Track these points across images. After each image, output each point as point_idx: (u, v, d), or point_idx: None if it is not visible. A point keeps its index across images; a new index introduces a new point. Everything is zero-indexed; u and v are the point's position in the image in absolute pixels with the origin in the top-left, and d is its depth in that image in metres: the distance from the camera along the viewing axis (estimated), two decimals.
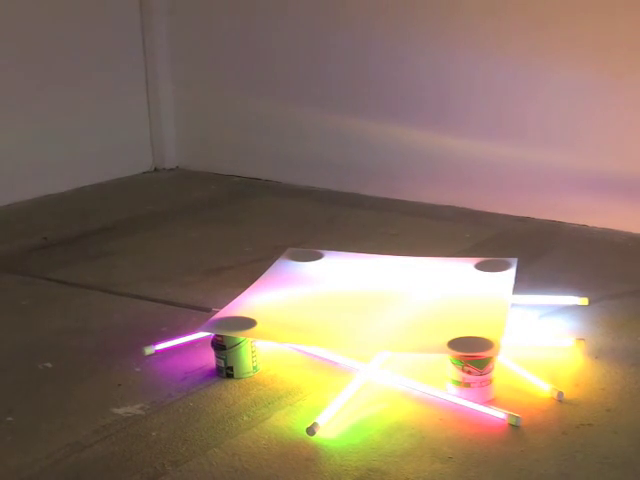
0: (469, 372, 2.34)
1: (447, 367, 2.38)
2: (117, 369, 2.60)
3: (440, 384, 2.40)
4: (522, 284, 2.88)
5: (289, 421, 2.30)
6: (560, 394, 2.36)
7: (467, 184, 4.06)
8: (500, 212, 3.94)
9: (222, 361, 2.52)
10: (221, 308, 2.70)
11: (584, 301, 2.90)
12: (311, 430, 2.20)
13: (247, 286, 2.83)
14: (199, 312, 2.93)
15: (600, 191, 3.71)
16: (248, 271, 3.18)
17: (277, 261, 3.04)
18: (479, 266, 2.91)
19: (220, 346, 2.52)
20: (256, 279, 2.89)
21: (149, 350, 2.66)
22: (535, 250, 3.50)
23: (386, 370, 2.49)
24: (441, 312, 2.66)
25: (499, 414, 2.27)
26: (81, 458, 2.17)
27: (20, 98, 4.32)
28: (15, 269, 3.47)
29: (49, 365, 2.65)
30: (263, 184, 4.57)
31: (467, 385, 2.34)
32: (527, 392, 2.40)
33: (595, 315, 2.87)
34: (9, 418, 2.36)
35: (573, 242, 3.61)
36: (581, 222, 3.76)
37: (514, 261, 2.90)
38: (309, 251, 3.11)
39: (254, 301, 2.72)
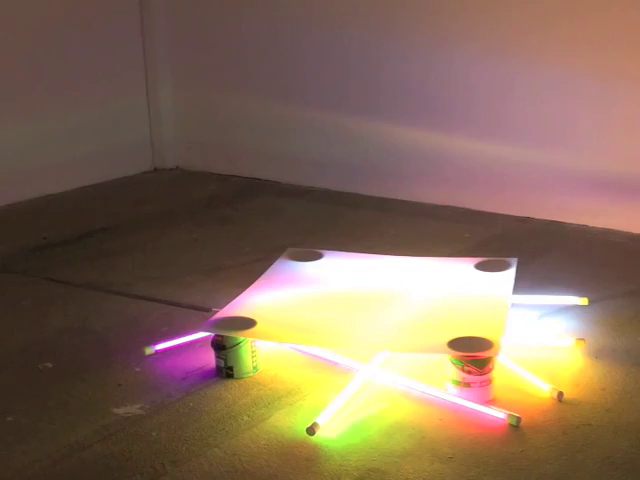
0: (469, 372, 2.34)
1: (447, 367, 2.38)
2: (117, 369, 2.60)
3: (440, 384, 2.40)
4: (522, 284, 2.88)
5: (289, 421, 2.30)
6: (560, 394, 2.36)
7: (467, 184, 4.05)
8: (500, 212, 3.94)
9: (222, 361, 2.52)
10: (221, 308, 2.70)
11: (584, 301, 2.90)
12: (311, 430, 2.20)
13: (247, 286, 2.83)
14: (199, 312, 2.93)
15: (600, 191, 3.71)
16: (248, 271, 3.17)
17: (277, 261, 3.04)
18: (479, 266, 2.91)
19: (220, 346, 2.52)
20: (256, 279, 2.90)
21: (149, 350, 2.66)
22: (535, 250, 3.50)
23: (386, 370, 2.49)
24: (441, 312, 2.66)
25: (499, 414, 2.27)
26: (81, 458, 2.17)
27: (20, 98, 4.32)
28: (15, 269, 3.47)
29: (49, 365, 2.64)
30: (263, 184, 4.57)
31: (467, 385, 2.34)
32: (527, 392, 2.40)
33: (595, 315, 2.87)
34: (9, 418, 2.36)
35: (573, 242, 3.61)
36: (581, 222, 3.76)
37: (514, 261, 2.90)
38: (309, 251, 3.10)
39: (254, 301, 2.72)
